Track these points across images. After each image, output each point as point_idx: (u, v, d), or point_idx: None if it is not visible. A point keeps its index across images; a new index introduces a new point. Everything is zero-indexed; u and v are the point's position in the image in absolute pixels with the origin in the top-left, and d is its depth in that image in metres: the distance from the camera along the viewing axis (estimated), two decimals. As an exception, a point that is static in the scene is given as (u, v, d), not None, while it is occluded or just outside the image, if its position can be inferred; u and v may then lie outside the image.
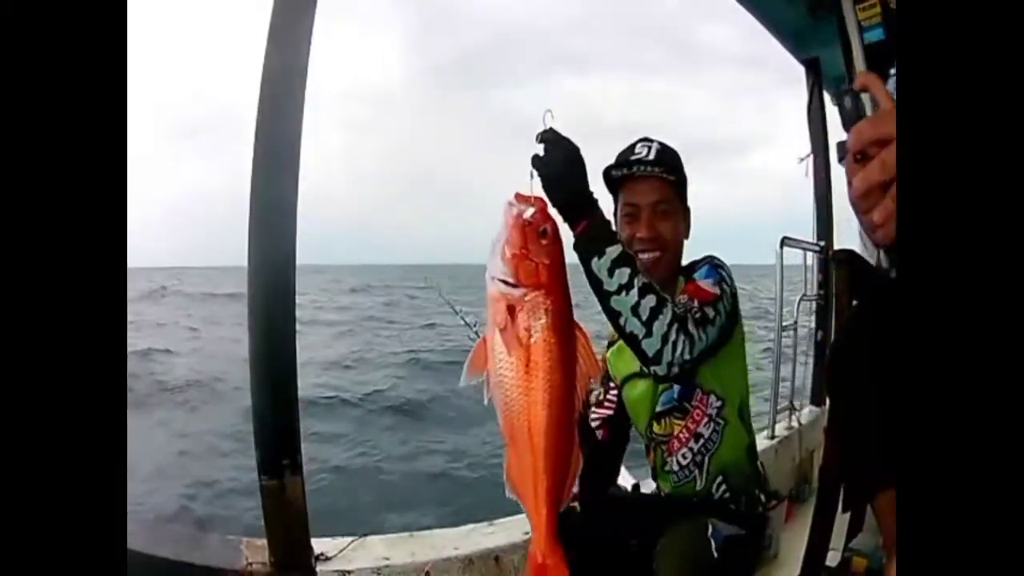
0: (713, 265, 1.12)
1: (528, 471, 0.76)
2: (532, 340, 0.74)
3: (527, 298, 0.74)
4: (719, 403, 1.15)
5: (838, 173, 3.00)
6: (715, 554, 1.05)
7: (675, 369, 0.94)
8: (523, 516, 1.56)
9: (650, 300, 0.91)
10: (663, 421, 1.19)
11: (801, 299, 2.77)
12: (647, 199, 1.14)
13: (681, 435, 1.16)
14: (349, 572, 1.38)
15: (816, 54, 3.02)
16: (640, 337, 0.92)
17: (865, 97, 0.53)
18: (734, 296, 1.09)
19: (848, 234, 2.94)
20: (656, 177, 1.14)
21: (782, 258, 2.55)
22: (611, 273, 0.91)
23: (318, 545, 1.40)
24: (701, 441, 1.15)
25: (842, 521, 1.35)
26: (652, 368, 0.95)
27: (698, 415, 1.15)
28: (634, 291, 0.91)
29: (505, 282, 0.74)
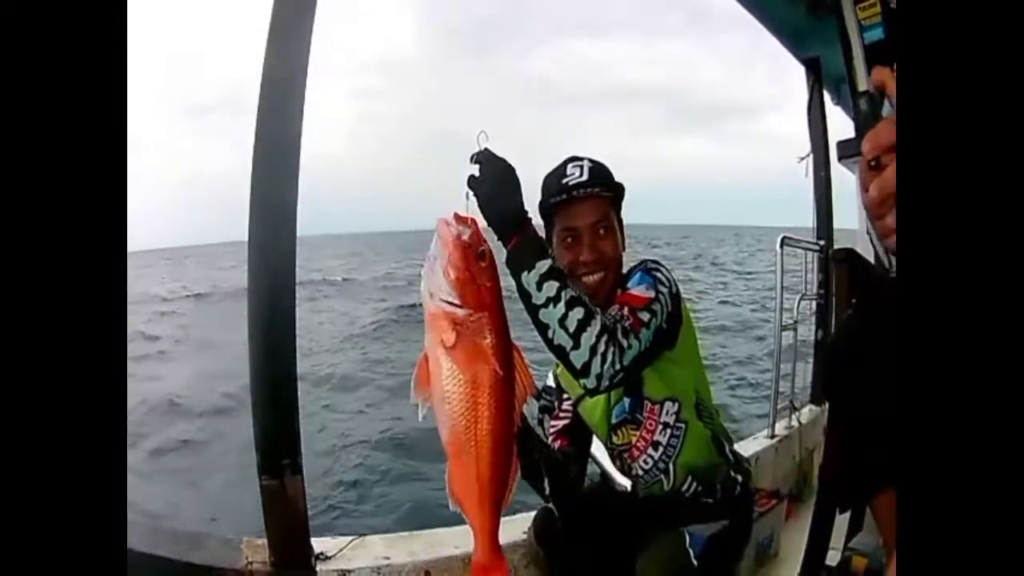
0: (647, 270, 1.10)
1: (473, 482, 0.80)
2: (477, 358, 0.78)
3: (472, 318, 0.77)
4: (675, 407, 1.14)
5: (838, 172, 3.00)
6: (695, 562, 1.08)
7: (605, 382, 0.93)
8: (523, 516, 1.57)
9: (577, 312, 0.91)
10: (620, 432, 1.20)
11: (801, 298, 2.77)
12: (586, 220, 1.11)
13: (639, 444, 1.17)
14: (349, 571, 1.38)
15: (816, 53, 3.02)
16: (568, 349, 0.92)
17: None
18: (674, 297, 1.07)
19: (848, 233, 2.94)
20: (594, 196, 1.11)
21: (781, 258, 2.55)
22: (539, 287, 0.91)
23: (318, 545, 1.40)
24: (660, 449, 1.15)
25: (842, 521, 1.35)
26: (581, 381, 0.95)
27: (651, 425, 1.15)
28: (561, 304, 0.91)
29: (449, 302, 0.77)
